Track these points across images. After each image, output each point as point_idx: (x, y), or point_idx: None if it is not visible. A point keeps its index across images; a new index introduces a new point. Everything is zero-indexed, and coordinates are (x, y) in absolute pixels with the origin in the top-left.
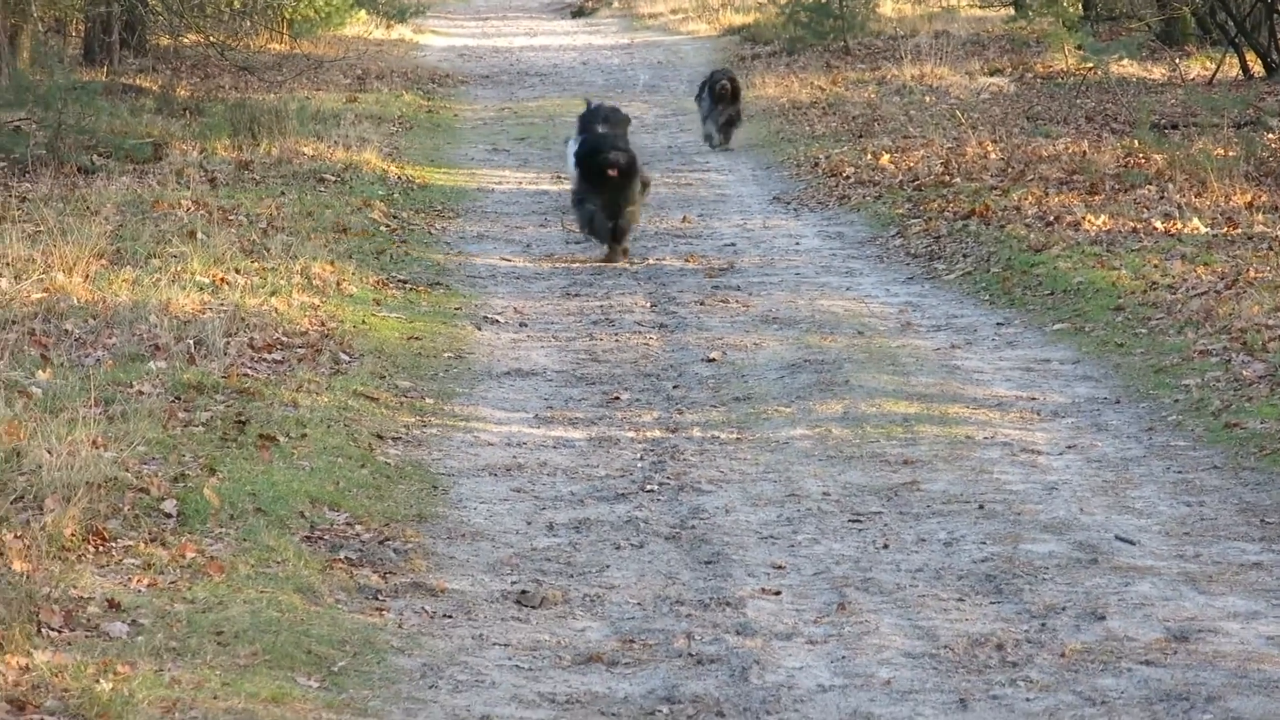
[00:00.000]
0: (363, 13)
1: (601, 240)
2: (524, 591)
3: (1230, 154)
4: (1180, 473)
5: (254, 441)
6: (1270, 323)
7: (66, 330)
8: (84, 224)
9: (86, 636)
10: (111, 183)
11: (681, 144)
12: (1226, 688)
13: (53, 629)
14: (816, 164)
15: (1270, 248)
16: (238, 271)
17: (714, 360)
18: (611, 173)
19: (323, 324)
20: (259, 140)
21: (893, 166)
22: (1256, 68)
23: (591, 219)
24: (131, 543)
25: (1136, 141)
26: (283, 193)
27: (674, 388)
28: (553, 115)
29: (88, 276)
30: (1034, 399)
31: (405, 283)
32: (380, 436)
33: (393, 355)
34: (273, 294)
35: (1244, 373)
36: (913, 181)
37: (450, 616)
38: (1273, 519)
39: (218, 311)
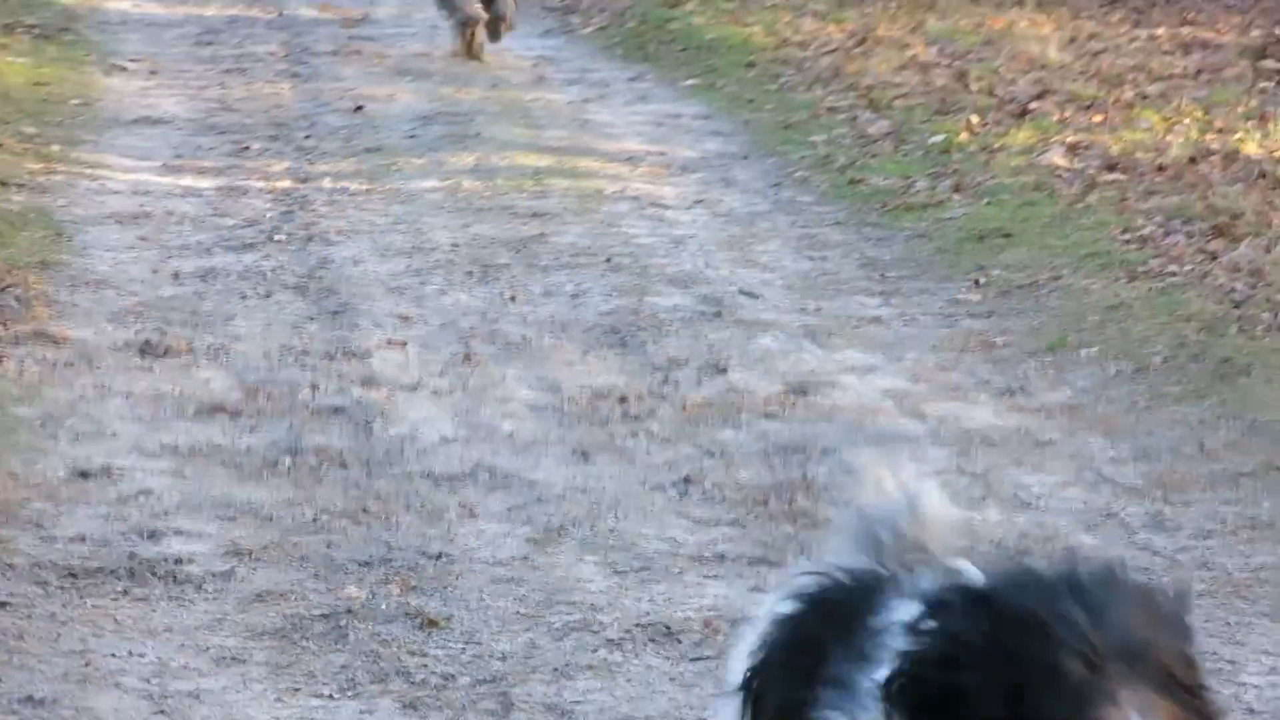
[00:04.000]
0: None
1: None
2: (148, 341)
3: None
4: (804, 228)
5: None
6: (896, 80)
7: None
8: None
9: None
10: None
11: None
12: (842, 440)
13: None
14: None
15: (899, 6)
16: None
17: (362, 110)
18: None
19: None
20: None
21: None
22: None
23: None
24: None
25: None
26: None
27: (305, 138)
28: None
29: None
30: (664, 153)
31: (33, 27)
32: (3, 183)
33: (18, 101)
34: None
35: (869, 130)
36: None
37: (72, 365)
38: (892, 273)
39: None
